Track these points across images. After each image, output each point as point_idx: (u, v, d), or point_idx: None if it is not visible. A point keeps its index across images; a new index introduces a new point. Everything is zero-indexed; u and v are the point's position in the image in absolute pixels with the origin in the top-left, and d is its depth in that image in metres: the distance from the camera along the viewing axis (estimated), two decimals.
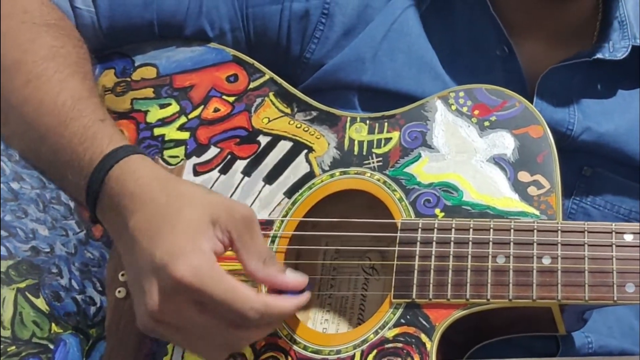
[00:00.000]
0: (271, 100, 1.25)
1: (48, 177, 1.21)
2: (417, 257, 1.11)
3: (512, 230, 1.10)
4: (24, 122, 1.17)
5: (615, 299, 1.05)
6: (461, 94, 1.20)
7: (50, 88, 1.16)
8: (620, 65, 1.26)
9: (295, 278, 1.08)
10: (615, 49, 1.26)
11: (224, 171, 1.22)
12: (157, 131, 1.25)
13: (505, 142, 1.16)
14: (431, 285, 1.10)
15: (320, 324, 1.19)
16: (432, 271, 1.10)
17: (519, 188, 1.13)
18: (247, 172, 1.22)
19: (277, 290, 1.08)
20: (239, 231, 1.05)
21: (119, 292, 1.18)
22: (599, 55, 1.25)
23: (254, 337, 1.07)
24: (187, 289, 1.01)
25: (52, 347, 1.16)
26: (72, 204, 1.22)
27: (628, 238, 1.07)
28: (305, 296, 1.08)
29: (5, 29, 1.20)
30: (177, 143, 1.24)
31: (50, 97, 1.15)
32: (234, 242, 1.05)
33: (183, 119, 1.25)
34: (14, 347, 1.16)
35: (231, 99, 1.26)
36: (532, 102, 1.22)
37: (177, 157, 1.23)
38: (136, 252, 1.05)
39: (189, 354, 1.13)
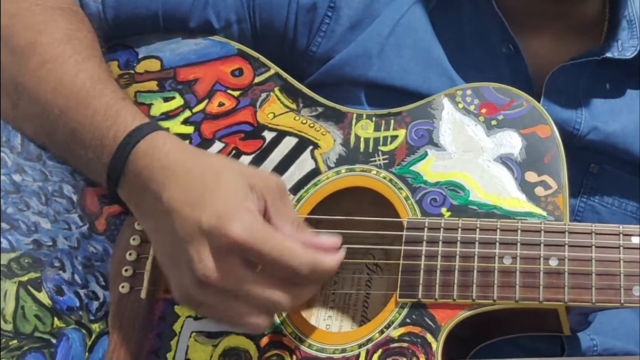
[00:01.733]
0: (276, 96, 1.24)
1: (61, 157, 1.19)
2: (423, 257, 1.11)
3: (519, 231, 1.09)
4: (39, 104, 1.15)
5: (622, 302, 1.05)
6: (468, 92, 1.20)
7: (68, 69, 1.15)
8: (629, 64, 1.26)
9: (329, 238, 1.07)
10: (624, 48, 1.25)
11: None
12: (161, 125, 1.23)
13: (512, 142, 1.16)
14: (437, 285, 1.09)
15: (323, 321, 1.19)
16: (438, 271, 1.10)
17: (526, 188, 1.13)
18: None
19: None
20: (273, 198, 1.05)
21: (123, 287, 1.17)
22: (607, 55, 1.25)
23: (299, 297, 1.05)
24: (241, 247, 1.01)
25: (54, 341, 1.16)
26: (74, 198, 1.21)
27: (635, 240, 1.07)
28: (343, 252, 1.07)
29: (17, 11, 1.18)
30: (182, 137, 1.22)
31: (69, 78, 1.14)
32: (268, 208, 1.05)
33: (187, 113, 1.24)
34: (16, 342, 1.16)
35: (236, 93, 1.25)
36: (538, 101, 1.22)
37: None
38: (175, 222, 1.03)
39: (193, 350, 1.13)
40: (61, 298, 1.17)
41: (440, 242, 1.11)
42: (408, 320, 1.09)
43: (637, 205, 1.27)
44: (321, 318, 1.20)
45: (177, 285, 1.05)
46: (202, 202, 1.02)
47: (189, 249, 1.02)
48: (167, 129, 1.22)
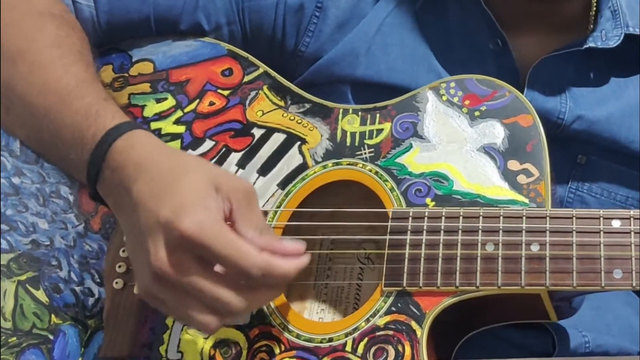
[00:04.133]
0: (265, 93, 1.27)
1: (49, 159, 1.22)
2: (407, 246, 1.12)
3: (501, 218, 1.10)
4: (26, 106, 1.18)
5: (602, 285, 1.05)
6: (452, 84, 1.21)
7: (54, 71, 1.18)
8: (613, 53, 1.26)
9: (292, 243, 1.07)
10: (608, 38, 1.26)
11: (219, 163, 1.23)
12: (154, 125, 1.27)
13: (495, 132, 1.17)
14: (421, 274, 1.10)
15: (316, 314, 1.21)
16: (422, 259, 1.11)
17: (509, 177, 1.14)
18: (242, 164, 1.23)
19: None
20: (238, 201, 1.05)
21: (117, 283, 1.19)
22: (591, 44, 1.25)
23: (254, 301, 1.05)
24: (191, 243, 1.01)
25: (51, 337, 1.18)
26: (71, 198, 1.24)
27: (616, 224, 1.07)
28: (306, 258, 1.06)
29: (10, 18, 1.21)
30: (173, 137, 1.26)
31: (54, 79, 1.17)
32: (232, 211, 1.05)
33: (179, 113, 1.27)
34: (15, 338, 1.18)
35: (226, 92, 1.27)
36: (522, 92, 1.23)
37: None
38: (140, 214, 1.05)
39: (184, 343, 1.15)
40: (58, 295, 1.20)
41: (425, 231, 1.12)
42: (393, 308, 1.10)
43: (625, 194, 1.27)
44: (314, 311, 1.21)
45: (139, 280, 1.07)
46: (164, 195, 1.03)
47: (147, 241, 1.03)
48: (157, 130, 1.26)
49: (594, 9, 1.28)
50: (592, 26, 1.28)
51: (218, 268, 1.04)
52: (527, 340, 1.22)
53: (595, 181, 1.27)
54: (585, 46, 1.25)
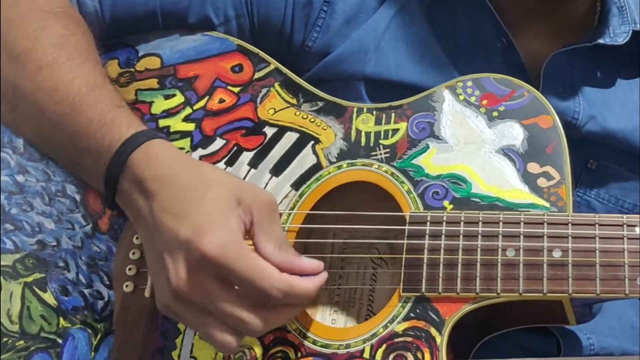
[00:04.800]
0: (277, 91, 1.24)
1: (59, 162, 1.20)
2: (425, 250, 1.10)
3: (522, 223, 1.09)
4: (36, 109, 1.16)
5: (626, 292, 1.04)
6: (469, 83, 1.19)
7: (63, 75, 1.15)
8: (620, 51, 1.25)
9: (310, 262, 1.07)
10: (616, 34, 1.25)
11: (230, 163, 1.21)
12: (162, 122, 1.24)
13: (514, 133, 1.15)
14: (440, 279, 1.09)
15: (329, 316, 1.19)
16: (441, 265, 1.09)
17: (529, 179, 1.12)
18: (254, 164, 1.21)
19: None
20: (260, 215, 1.05)
21: (127, 286, 1.17)
22: (600, 41, 1.24)
23: (273, 321, 1.05)
24: (212, 263, 1.01)
25: (60, 341, 1.16)
26: (77, 197, 1.21)
27: (639, 230, 1.06)
28: (324, 275, 1.07)
29: (13, 16, 1.19)
30: (183, 135, 1.23)
31: (64, 84, 1.14)
32: (253, 225, 1.05)
33: (188, 110, 1.24)
34: (22, 342, 1.16)
35: (236, 89, 1.25)
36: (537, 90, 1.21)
37: (183, 149, 1.22)
38: (160, 231, 1.04)
39: (198, 348, 1.13)
40: (66, 298, 1.18)
41: (443, 236, 1.10)
42: (412, 314, 1.09)
43: (633, 202, 1.27)
44: (327, 313, 1.20)
45: (158, 294, 1.06)
46: (184, 213, 1.03)
47: (166, 259, 1.03)
48: (166, 127, 1.23)
49: (599, 5, 1.27)
50: (598, 23, 1.27)
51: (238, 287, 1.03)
52: (532, 343, 1.21)
53: (603, 187, 1.26)
54: (594, 42, 1.23)
